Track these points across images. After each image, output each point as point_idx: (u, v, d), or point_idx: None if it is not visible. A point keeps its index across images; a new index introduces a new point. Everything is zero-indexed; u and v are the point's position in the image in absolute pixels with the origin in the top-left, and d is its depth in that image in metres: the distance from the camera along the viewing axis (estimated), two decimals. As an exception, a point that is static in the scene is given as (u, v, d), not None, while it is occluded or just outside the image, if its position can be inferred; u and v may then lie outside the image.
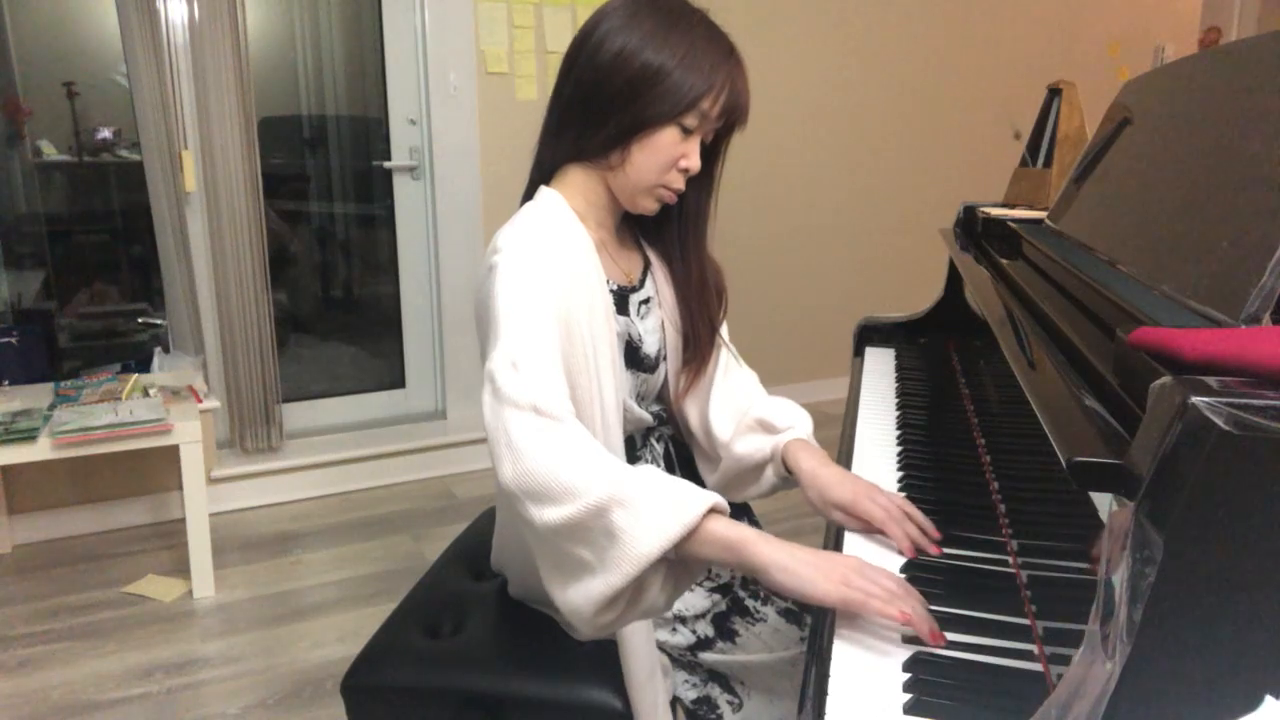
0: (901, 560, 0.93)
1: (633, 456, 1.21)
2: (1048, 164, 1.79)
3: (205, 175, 2.66)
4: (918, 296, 1.95)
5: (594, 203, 1.12)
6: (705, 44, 1.04)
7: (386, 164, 3.06)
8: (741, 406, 1.20)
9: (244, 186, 2.67)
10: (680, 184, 1.09)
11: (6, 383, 2.54)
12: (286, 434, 2.92)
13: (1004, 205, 1.82)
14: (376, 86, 3.04)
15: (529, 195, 1.14)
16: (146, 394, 2.38)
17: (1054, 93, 1.81)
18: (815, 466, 1.07)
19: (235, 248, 2.70)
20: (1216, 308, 0.71)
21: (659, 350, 1.19)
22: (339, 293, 3.37)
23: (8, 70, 2.65)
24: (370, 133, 3.14)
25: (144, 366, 2.69)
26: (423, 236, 3.14)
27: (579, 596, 0.83)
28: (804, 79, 3.58)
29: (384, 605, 2.26)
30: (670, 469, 1.25)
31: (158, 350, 2.71)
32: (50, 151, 2.76)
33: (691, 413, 1.23)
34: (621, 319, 1.13)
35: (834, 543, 0.99)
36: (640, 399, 1.20)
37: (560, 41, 3.00)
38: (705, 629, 1.15)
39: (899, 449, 1.24)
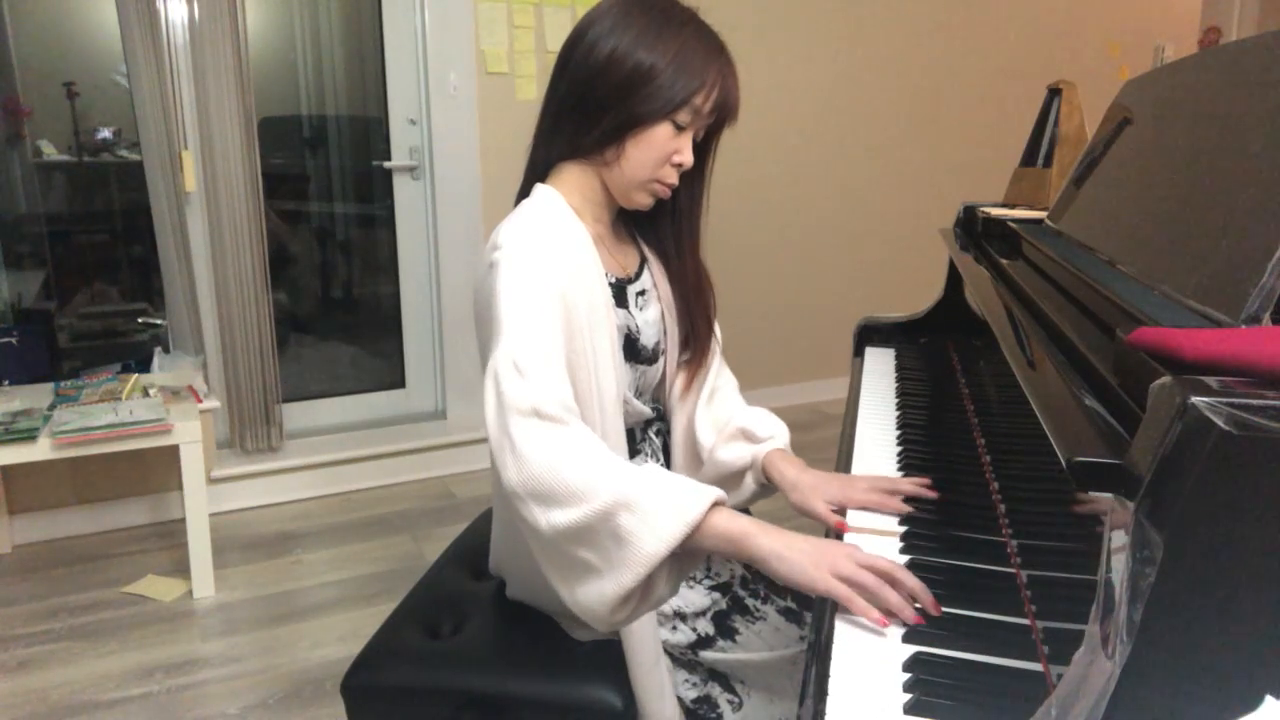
0: (902, 560, 0.93)
1: (633, 449, 1.21)
2: (1048, 164, 1.79)
3: (205, 175, 2.66)
4: (918, 296, 1.94)
5: (590, 198, 1.14)
6: (696, 43, 1.06)
7: (386, 164, 3.06)
8: (724, 415, 1.24)
9: (244, 186, 2.67)
10: (674, 179, 1.11)
11: (6, 383, 2.54)
12: (286, 434, 2.92)
13: (1004, 205, 1.82)
14: (376, 86, 3.04)
15: (524, 193, 1.15)
16: (146, 394, 2.38)
17: (1054, 93, 1.81)
18: (797, 474, 1.13)
19: (235, 248, 2.70)
20: (1216, 308, 0.71)
21: (657, 342, 1.21)
22: (339, 293, 3.37)
23: (8, 70, 2.65)
24: (370, 133, 3.14)
25: (144, 366, 2.69)
26: (423, 236, 3.14)
27: (591, 598, 0.86)
28: (804, 79, 3.58)
29: (384, 605, 2.26)
30: (668, 463, 1.27)
31: (158, 350, 2.71)
32: (50, 151, 2.76)
33: (680, 415, 1.25)
34: (620, 312, 1.14)
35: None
36: (639, 394, 1.21)
37: (560, 41, 2.97)
38: (706, 627, 1.15)
39: (899, 449, 1.24)
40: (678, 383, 1.25)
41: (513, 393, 0.90)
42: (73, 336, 2.88)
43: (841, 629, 0.80)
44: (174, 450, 2.25)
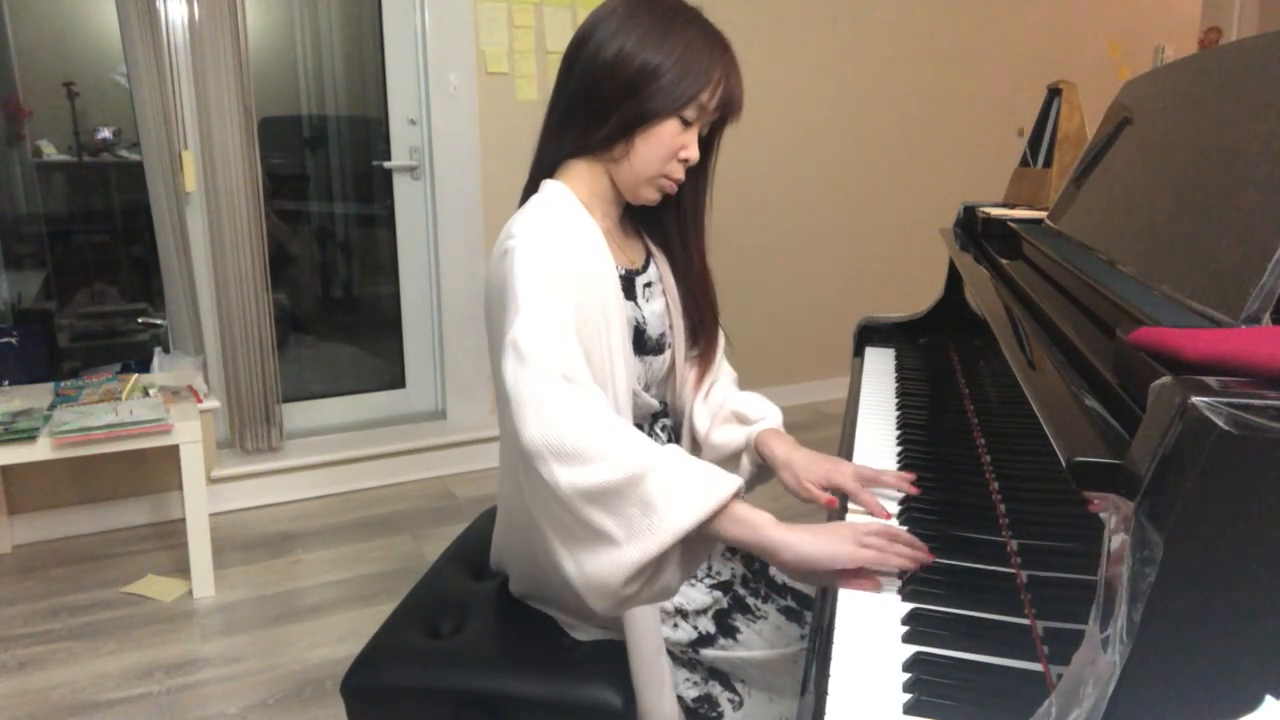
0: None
1: None
2: (1048, 164, 1.79)
3: (205, 175, 2.66)
4: (918, 296, 1.95)
5: (598, 194, 1.16)
6: (701, 41, 1.09)
7: (386, 164, 3.06)
8: (717, 401, 1.28)
9: (244, 186, 2.67)
10: (680, 174, 1.13)
11: (6, 383, 2.54)
12: (286, 434, 2.92)
13: (1004, 205, 1.82)
14: (376, 86, 3.04)
15: (532, 189, 1.16)
16: (146, 394, 2.38)
17: (1054, 93, 1.81)
18: (788, 451, 1.16)
19: (235, 248, 2.70)
20: (1216, 308, 0.71)
21: (663, 333, 1.23)
22: (339, 293, 3.37)
23: (8, 70, 2.65)
24: (370, 133, 3.14)
25: (144, 366, 2.69)
26: (423, 236, 3.14)
27: (602, 569, 0.85)
28: (804, 79, 3.58)
29: (384, 605, 2.26)
30: None
31: (158, 350, 2.71)
32: (50, 151, 2.76)
33: (681, 409, 1.28)
34: (628, 304, 1.17)
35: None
36: (646, 386, 1.23)
37: (560, 41, 3.00)
38: (707, 625, 1.16)
39: (899, 449, 1.24)
40: (690, 377, 1.28)
41: (537, 353, 0.91)
42: (73, 336, 2.88)
43: (842, 628, 0.80)
44: (174, 450, 2.25)
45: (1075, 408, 0.70)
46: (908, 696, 0.71)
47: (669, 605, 1.15)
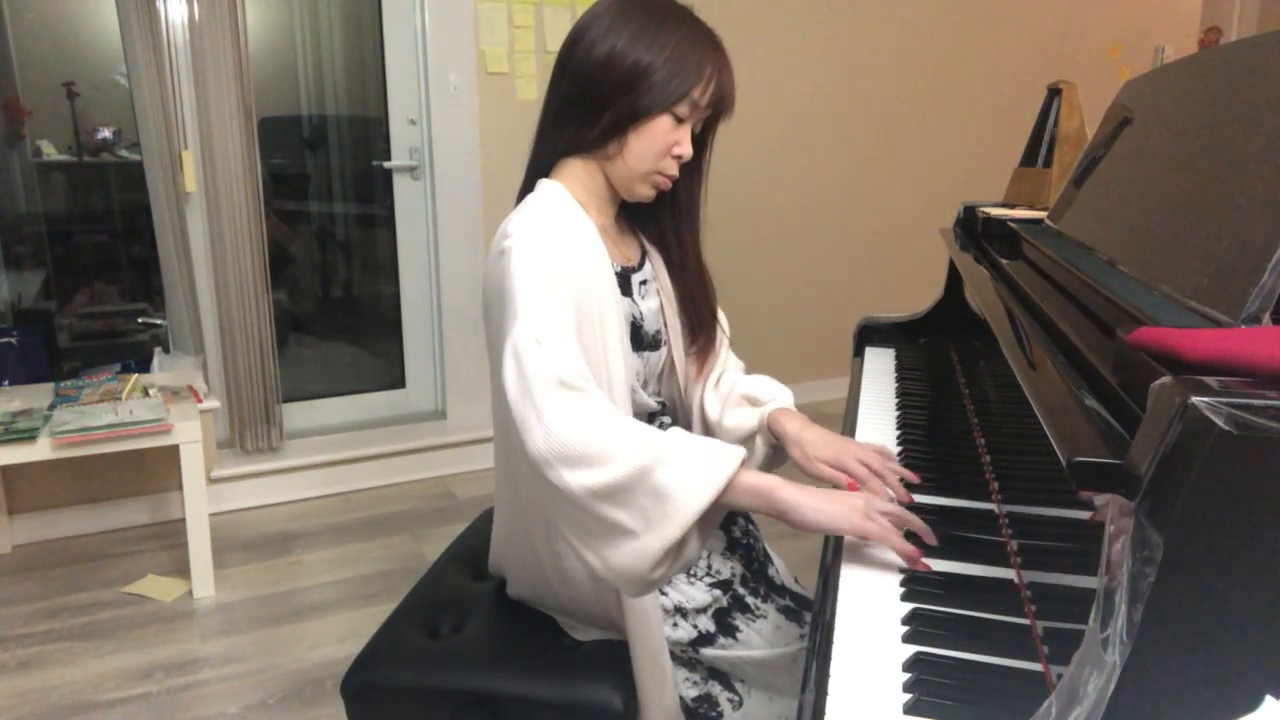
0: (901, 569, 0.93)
1: None
2: (1048, 164, 1.79)
3: (205, 175, 2.66)
4: (918, 296, 1.95)
5: (593, 192, 1.17)
6: (692, 38, 1.10)
7: (386, 164, 3.06)
8: (727, 387, 1.29)
9: (244, 186, 2.67)
10: (674, 170, 1.14)
11: (6, 383, 2.54)
12: (286, 434, 2.92)
13: (1004, 205, 1.82)
14: (376, 86, 3.04)
15: (528, 189, 1.17)
16: (146, 394, 2.38)
17: (1054, 93, 1.81)
18: (799, 429, 1.18)
19: (235, 248, 2.70)
20: (1216, 308, 0.71)
21: (658, 330, 1.24)
22: (339, 293, 3.37)
23: (8, 70, 2.65)
24: (370, 133, 3.14)
25: (144, 366, 2.69)
26: (423, 236, 3.14)
27: (627, 559, 0.88)
28: (804, 79, 3.58)
29: (384, 605, 2.26)
30: None
31: (158, 350, 2.71)
32: (50, 151, 2.76)
33: (689, 401, 1.30)
34: (625, 300, 1.17)
35: (836, 549, 0.99)
36: (645, 383, 1.24)
37: (559, 42, 2.98)
38: (706, 624, 1.16)
39: (899, 449, 1.24)
40: (691, 373, 1.29)
41: (535, 364, 0.92)
42: (73, 336, 2.88)
43: (842, 628, 0.80)
44: (174, 450, 2.25)
45: (1075, 408, 0.70)
46: (908, 696, 0.71)
47: (668, 603, 1.15)
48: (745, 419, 1.24)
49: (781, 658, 1.16)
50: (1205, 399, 0.52)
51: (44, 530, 2.64)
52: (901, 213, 3.91)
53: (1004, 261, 1.34)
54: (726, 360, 1.34)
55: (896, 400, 1.45)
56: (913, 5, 3.74)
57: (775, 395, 1.26)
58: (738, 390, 1.27)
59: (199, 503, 2.27)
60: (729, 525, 1.26)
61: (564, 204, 1.11)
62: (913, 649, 0.77)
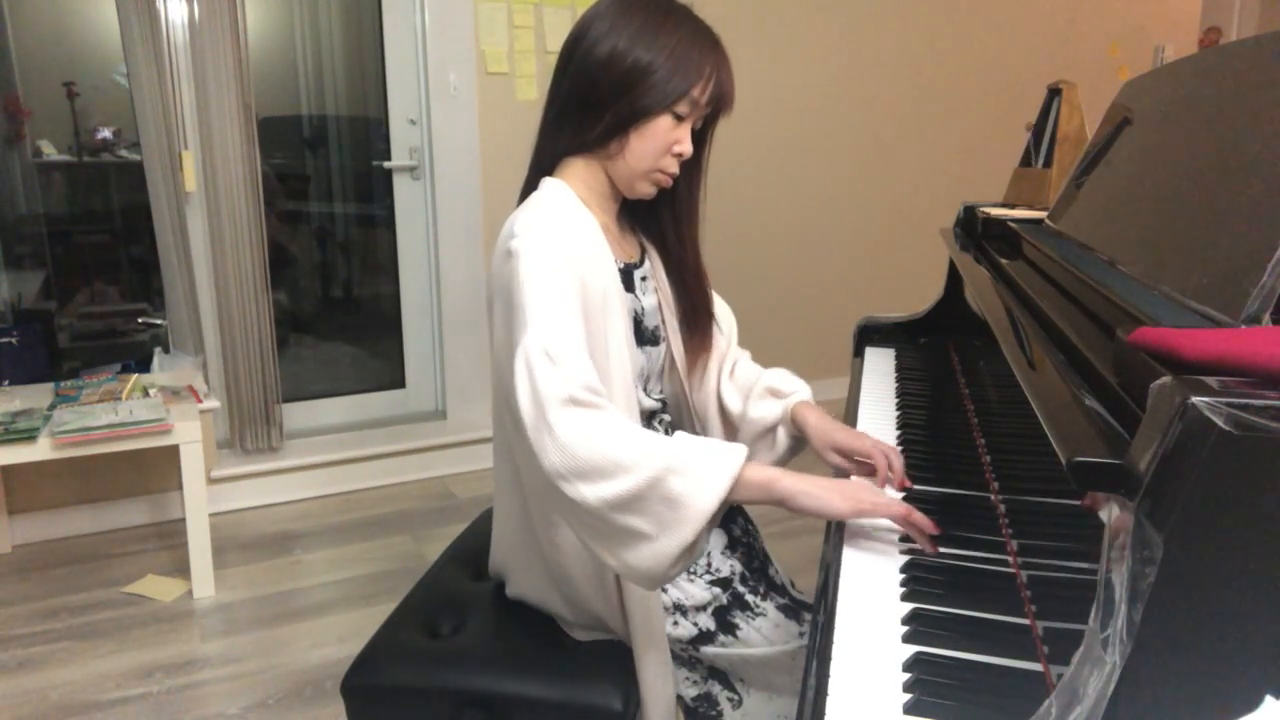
0: (902, 560, 0.93)
1: None
2: (1048, 164, 1.79)
3: (205, 175, 2.67)
4: (918, 296, 1.95)
5: (595, 190, 1.18)
6: (692, 37, 1.11)
7: (386, 164, 3.05)
8: (748, 380, 1.32)
9: (244, 186, 2.67)
10: (674, 168, 1.15)
11: (6, 383, 2.54)
12: (286, 434, 2.92)
13: (1004, 205, 1.82)
14: (376, 86, 3.04)
15: (530, 187, 1.18)
16: (146, 394, 2.38)
17: (1054, 93, 1.81)
18: (817, 420, 1.23)
19: (235, 248, 2.70)
20: (1216, 308, 0.71)
21: (657, 325, 1.26)
22: (339, 293, 3.37)
23: (8, 70, 2.65)
24: (370, 133, 3.14)
25: (144, 366, 2.69)
26: (423, 236, 3.14)
27: (644, 560, 0.92)
28: (804, 79, 3.58)
29: (384, 605, 2.26)
30: None
31: (158, 350, 2.71)
32: (50, 151, 2.76)
33: (699, 396, 1.33)
34: (628, 296, 1.19)
35: (836, 549, 0.99)
36: (645, 381, 1.25)
37: (559, 42, 2.97)
38: (707, 622, 1.16)
39: (899, 449, 1.24)
40: (686, 365, 1.31)
41: (547, 383, 0.94)
42: (73, 336, 2.88)
43: (842, 627, 0.80)
44: (174, 450, 2.25)
45: (1075, 408, 0.70)
46: (908, 696, 0.71)
47: (668, 601, 1.15)
48: (769, 410, 1.28)
49: (781, 656, 1.16)
50: (1205, 399, 0.52)
51: (44, 530, 2.64)
52: (901, 213, 3.91)
53: (1004, 261, 1.34)
54: (734, 349, 1.36)
55: (896, 400, 1.45)
56: (913, 5, 3.74)
57: (796, 388, 1.29)
58: (762, 383, 1.30)
59: (199, 503, 2.27)
60: (729, 524, 1.27)
61: (568, 202, 1.13)
62: (913, 649, 0.77)
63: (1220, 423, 0.50)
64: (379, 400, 3.23)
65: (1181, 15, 4.43)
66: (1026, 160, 1.90)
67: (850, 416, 1.39)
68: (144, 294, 2.94)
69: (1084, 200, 1.27)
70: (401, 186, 3.09)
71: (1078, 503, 0.72)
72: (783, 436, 1.27)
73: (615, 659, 1.13)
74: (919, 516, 0.94)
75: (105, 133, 2.80)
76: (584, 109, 1.12)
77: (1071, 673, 0.55)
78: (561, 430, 0.91)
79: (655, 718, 1.12)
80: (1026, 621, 0.79)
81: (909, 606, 0.83)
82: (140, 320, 2.94)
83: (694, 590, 1.16)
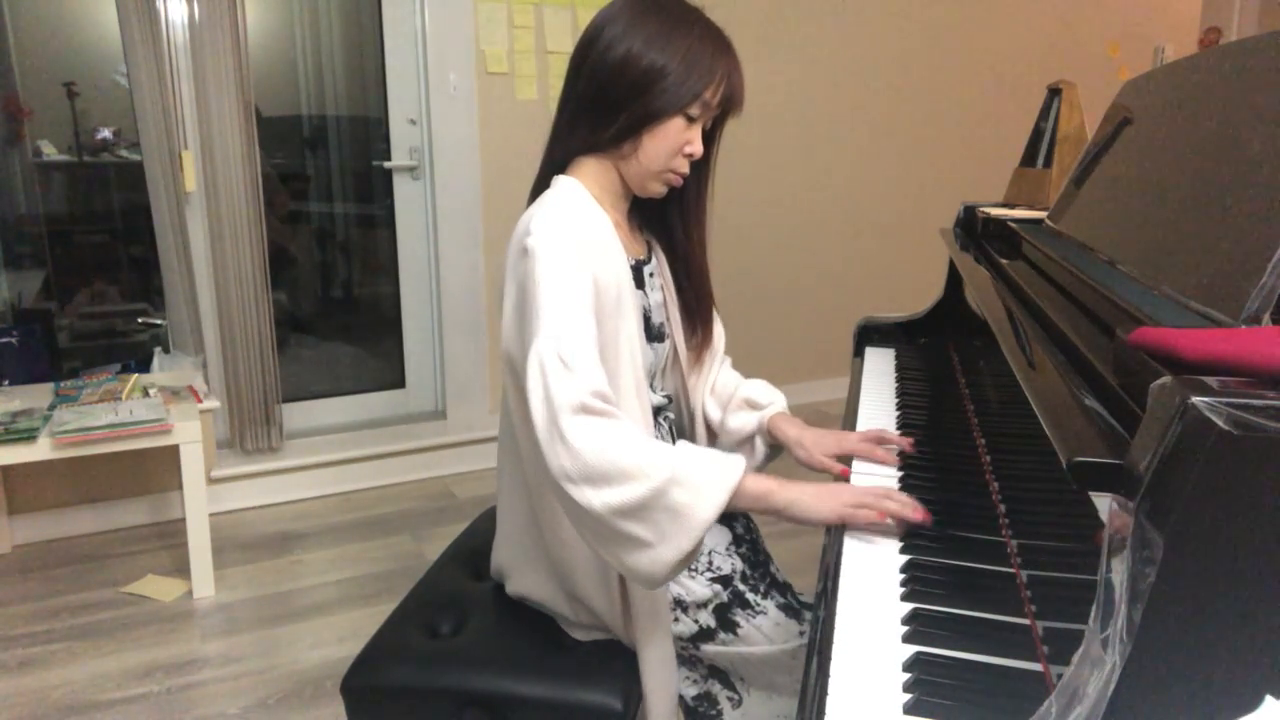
0: (902, 560, 0.93)
1: None
2: (1048, 164, 1.79)
3: (205, 175, 2.66)
4: (918, 296, 1.95)
5: (607, 189, 1.19)
6: (704, 41, 1.12)
7: (386, 164, 3.05)
8: (726, 391, 1.37)
9: (244, 186, 2.67)
10: (685, 168, 1.17)
11: (6, 383, 2.54)
12: (286, 434, 2.92)
13: (1004, 205, 1.82)
14: (376, 86, 3.04)
15: (542, 185, 1.19)
16: (146, 394, 2.38)
17: (1054, 93, 1.81)
18: (799, 432, 1.28)
19: (235, 248, 2.70)
20: (1216, 308, 0.71)
21: (662, 322, 1.28)
22: (339, 293, 3.37)
23: (8, 70, 2.65)
24: (370, 133, 3.14)
25: (144, 366, 2.69)
26: (423, 236, 3.14)
27: (644, 565, 0.95)
28: (805, 79, 3.58)
29: (384, 605, 2.26)
30: None
31: (158, 350, 2.71)
32: (50, 151, 2.76)
33: (696, 396, 1.36)
34: (638, 292, 1.21)
35: (836, 550, 0.99)
36: (650, 377, 1.26)
37: (560, 42, 3.00)
38: (707, 619, 1.16)
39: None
40: (689, 362, 1.33)
41: (560, 389, 0.95)
42: (73, 336, 2.88)
43: (842, 627, 0.80)
44: (174, 450, 2.25)
45: (1075, 408, 0.70)
46: (908, 696, 0.71)
47: (669, 598, 1.15)
48: (746, 422, 1.32)
49: (781, 655, 1.16)
50: (1205, 399, 0.52)
51: (44, 530, 2.64)
52: (901, 213, 3.91)
53: (1004, 261, 1.34)
54: (722, 362, 1.40)
55: (896, 400, 1.45)
56: (913, 5, 3.74)
57: (772, 400, 1.34)
58: (739, 394, 1.35)
59: (199, 503, 2.27)
60: (731, 521, 1.27)
61: (583, 200, 1.14)
62: (913, 649, 0.77)
63: (1220, 423, 0.50)
64: (379, 400, 3.23)
65: (1181, 15, 4.43)
66: (1026, 160, 1.90)
67: (850, 416, 1.39)
68: (144, 294, 2.94)
69: (1084, 200, 1.27)
70: (401, 186, 3.09)
71: (1078, 503, 0.72)
72: (759, 446, 1.33)
73: (615, 659, 1.13)
74: (893, 505, 0.98)
75: (105, 133, 2.80)
76: (598, 110, 1.13)
77: (1071, 673, 0.55)
78: (573, 436, 0.93)
79: (658, 714, 1.13)
80: (1026, 621, 0.79)
81: (909, 606, 0.83)
82: (140, 320, 2.94)
83: (695, 587, 1.17)
